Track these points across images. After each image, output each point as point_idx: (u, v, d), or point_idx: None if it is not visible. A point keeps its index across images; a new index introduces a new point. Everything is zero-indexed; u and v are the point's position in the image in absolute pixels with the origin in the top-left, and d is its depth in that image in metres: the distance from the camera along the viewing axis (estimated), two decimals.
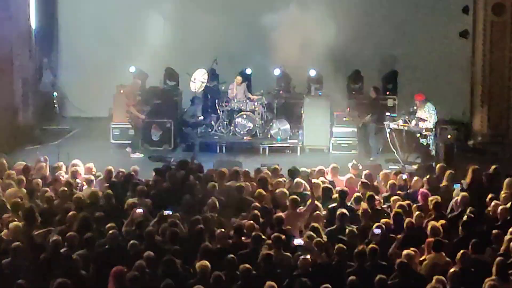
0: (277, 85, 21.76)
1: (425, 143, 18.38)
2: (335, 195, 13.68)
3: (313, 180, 14.07)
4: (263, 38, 20.38)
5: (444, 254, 10.93)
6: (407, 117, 18.70)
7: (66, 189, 13.65)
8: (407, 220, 12.04)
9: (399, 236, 11.75)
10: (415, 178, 14.67)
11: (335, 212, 12.46)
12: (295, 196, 13.03)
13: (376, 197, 13.69)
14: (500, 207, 12.45)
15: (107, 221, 11.88)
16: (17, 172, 14.59)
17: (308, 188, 13.80)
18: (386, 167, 17.66)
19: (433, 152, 18.25)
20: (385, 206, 13.50)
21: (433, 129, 18.38)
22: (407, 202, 13.13)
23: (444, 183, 14.44)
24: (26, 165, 15.02)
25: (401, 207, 12.68)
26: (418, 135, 18.42)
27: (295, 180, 14.32)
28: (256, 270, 10.29)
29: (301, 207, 12.83)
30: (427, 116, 18.34)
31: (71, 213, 12.17)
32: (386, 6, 21.57)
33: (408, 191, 14.23)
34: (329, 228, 12.13)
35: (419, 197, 13.64)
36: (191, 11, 21.64)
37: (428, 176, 14.58)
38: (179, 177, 14.41)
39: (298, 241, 10.93)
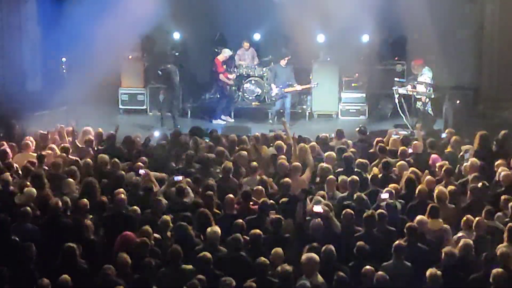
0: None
1: (421, 107, 18.29)
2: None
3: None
4: (271, 4, 20.31)
5: (441, 220, 10.89)
6: (416, 82, 18.62)
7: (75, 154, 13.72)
8: (419, 186, 11.96)
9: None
10: (415, 142, 14.61)
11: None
12: (297, 163, 13.03)
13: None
14: (505, 172, 12.32)
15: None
16: (34, 137, 14.68)
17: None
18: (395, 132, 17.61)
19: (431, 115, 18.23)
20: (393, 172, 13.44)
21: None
22: (416, 168, 13.13)
23: (450, 149, 14.40)
24: (43, 132, 15.05)
25: (413, 172, 12.66)
26: (419, 97, 18.29)
27: (305, 145, 14.28)
28: (264, 234, 10.27)
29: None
30: (426, 79, 18.26)
31: (79, 178, 12.18)
32: None
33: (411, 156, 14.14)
34: (341, 195, 12.12)
35: (431, 162, 13.60)
36: None
37: (435, 141, 14.58)
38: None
39: (317, 208, 10.73)
